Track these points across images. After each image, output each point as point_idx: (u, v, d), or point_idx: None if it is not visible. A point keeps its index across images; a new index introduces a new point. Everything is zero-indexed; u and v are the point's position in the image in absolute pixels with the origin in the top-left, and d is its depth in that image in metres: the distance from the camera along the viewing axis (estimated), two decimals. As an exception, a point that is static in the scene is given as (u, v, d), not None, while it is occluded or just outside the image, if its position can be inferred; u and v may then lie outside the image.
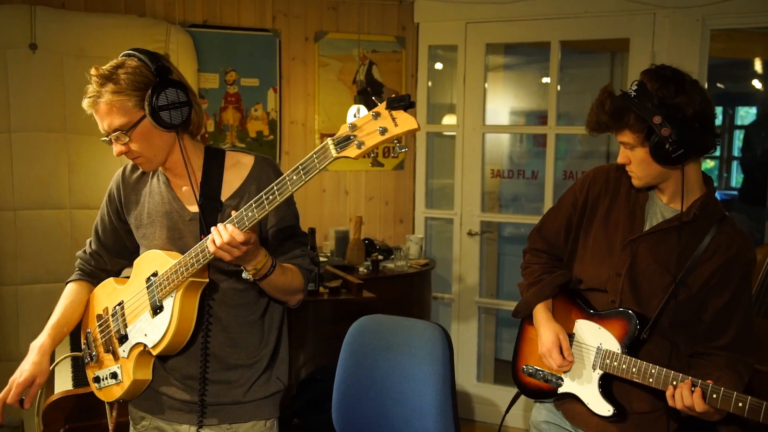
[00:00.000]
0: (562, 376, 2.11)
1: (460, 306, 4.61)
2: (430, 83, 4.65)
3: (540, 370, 2.18)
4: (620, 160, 1.98)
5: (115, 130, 1.81)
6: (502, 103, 5.47)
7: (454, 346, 4.42)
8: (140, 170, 2.04)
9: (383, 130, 1.52)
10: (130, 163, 2.03)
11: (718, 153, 6.02)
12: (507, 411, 2.37)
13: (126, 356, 1.97)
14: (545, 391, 2.18)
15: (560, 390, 2.13)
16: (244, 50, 4.24)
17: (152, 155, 1.88)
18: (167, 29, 3.84)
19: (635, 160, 1.94)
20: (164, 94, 1.79)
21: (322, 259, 3.91)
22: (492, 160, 5.26)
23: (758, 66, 5.37)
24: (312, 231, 3.60)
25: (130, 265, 2.05)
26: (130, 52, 1.85)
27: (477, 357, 4.63)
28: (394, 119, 1.51)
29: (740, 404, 1.75)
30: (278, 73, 4.33)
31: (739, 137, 6.02)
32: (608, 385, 2.03)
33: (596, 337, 2.05)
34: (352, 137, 1.54)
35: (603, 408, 2.03)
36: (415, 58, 4.62)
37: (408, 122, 1.51)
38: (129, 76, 1.78)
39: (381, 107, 1.53)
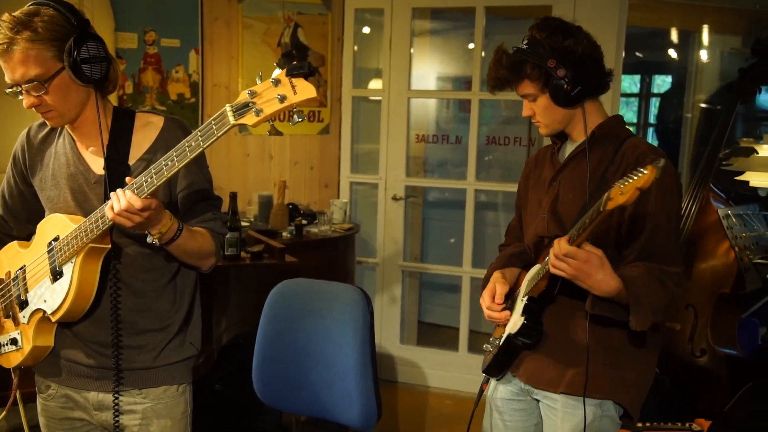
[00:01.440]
0: (503, 334, 2.11)
1: (384, 270, 4.65)
2: (356, 47, 4.61)
3: (488, 342, 2.20)
4: (525, 113, 2.08)
5: (29, 81, 1.72)
6: (429, 69, 5.47)
7: (378, 310, 4.53)
8: (46, 130, 1.96)
9: (282, 98, 1.49)
10: (36, 123, 1.96)
11: (635, 120, 6.18)
12: (477, 402, 2.23)
13: (26, 322, 1.91)
14: (494, 359, 2.15)
15: (499, 343, 2.11)
16: (164, 9, 4.11)
17: (66, 110, 1.80)
18: (81, -15, 3.69)
19: (539, 109, 2.03)
20: (86, 47, 1.72)
21: (244, 224, 3.87)
22: (417, 125, 5.28)
23: (674, 36, 5.52)
24: (234, 195, 3.55)
25: (37, 230, 1.98)
26: (43, 0, 1.75)
27: (401, 320, 4.69)
28: (293, 87, 1.49)
29: (587, 221, 1.71)
30: (200, 34, 4.22)
31: (655, 105, 6.19)
32: (534, 312, 2.02)
33: (531, 275, 2.08)
34: (250, 104, 1.51)
35: (518, 322, 2.02)
36: (342, 22, 4.56)
37: (307, 90, 1.49)
38: (47, 24, 1.69)
39: (281, 74, 1.51)
